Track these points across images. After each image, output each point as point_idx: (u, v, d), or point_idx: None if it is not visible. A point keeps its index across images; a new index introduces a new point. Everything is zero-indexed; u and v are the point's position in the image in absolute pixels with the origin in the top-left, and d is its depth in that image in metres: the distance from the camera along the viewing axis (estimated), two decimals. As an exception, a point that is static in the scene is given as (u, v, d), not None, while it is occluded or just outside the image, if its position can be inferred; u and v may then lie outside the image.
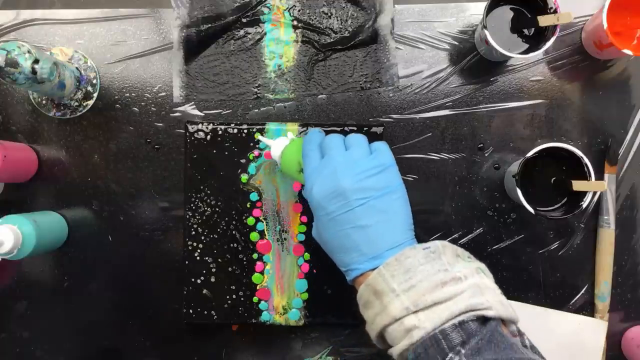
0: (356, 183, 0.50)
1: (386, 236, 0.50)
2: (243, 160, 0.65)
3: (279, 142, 0.59)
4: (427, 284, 0.45)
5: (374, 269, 0.49)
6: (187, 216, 0.65)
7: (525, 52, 0.61)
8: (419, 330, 0.44)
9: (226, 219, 0.65)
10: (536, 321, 0.67)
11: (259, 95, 0.68)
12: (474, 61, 0.67)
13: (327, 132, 0.64)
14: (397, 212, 0.51)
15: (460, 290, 0.45)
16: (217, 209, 0.65)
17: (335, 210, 0.50)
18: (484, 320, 0.44)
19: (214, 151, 0.65)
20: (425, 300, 0.44)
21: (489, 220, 0.67)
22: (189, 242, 0.65)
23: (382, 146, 0.54)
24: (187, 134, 0.65)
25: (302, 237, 0.65)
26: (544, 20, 0.59)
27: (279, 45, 0.68)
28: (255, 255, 0.65)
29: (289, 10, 0.68)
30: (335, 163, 0.51)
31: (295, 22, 0.68)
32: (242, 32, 0.68)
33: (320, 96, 0.68)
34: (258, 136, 0.64)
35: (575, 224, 0.67)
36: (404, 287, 0.46)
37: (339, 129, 0.65)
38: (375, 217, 0.50)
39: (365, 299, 0.49)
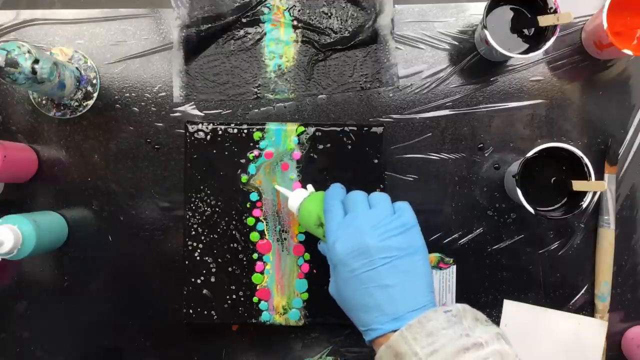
0: (381, 242, 0.50)
1: (408, 297, 0.49)
2: (243, 160, 0.65)
3: (298, 194, 0.60)
4: (450, 348, 0.45)
5: (394, 330, 0.48)
6: (187, 216, 0.65)
7: (525, 52, 0.61)
8: None
9: (226, 219, 0.65)
10: (536, 321, 0.67)
11: (259, 95, 0.68)
12: (474, 61, 0.67)
13: (327, 132, 0.65)
14: (419, 273, 0.51)
15: (482, 357, 0.44)
16: (217, 209, 0.65)
17: (359, 268, 0.50)
18: None
19: (214, 151, 0.65)
20: None
21: (489, 220, 0.67)
22: (189, 242, 0.65)
23: (405, 206, 0.54)
24: (187, 134, 0.65)
25: (302, 237, 0.65)
26: (544, 20, 0.59)
27: (279, 45, 0.68)
28: (255, 255, 0.65)
29: (289, 10, 0.68)
30: (359, 220, 0.52)
31: (295, 22, 0.68)
32: (242, 32, 0.68)
33: (320, 96, 0.68)
34: (276, 186, 0.63)
35: (575, 224, 0.67)
36: (426, 351, 0.45)
37: (338, 128, 0.65)
38: (398, 277, 0.50)
39: None
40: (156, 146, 0.68)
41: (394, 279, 0.49)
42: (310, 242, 0.65)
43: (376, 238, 0.50)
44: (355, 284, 0.50)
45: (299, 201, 0.59)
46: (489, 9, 0.62)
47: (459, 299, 0.67)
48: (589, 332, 0.66)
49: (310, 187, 0.61)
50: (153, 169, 0.68)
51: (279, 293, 0.65)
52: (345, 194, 0.56)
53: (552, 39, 0.60)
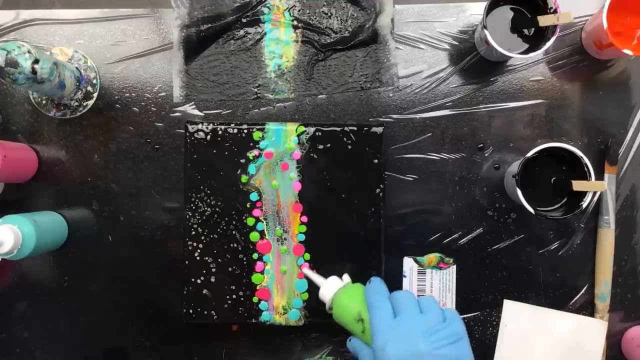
0: (434, 350, 0.49)
1: None
2: (243, 160, 0.65)
3: (332, 283, 0.57)
4: None
5: None
6: (187, 216, 0.65)
7: (525, 52, 0.61)
8: None
9: (226, 219, 0.65)
10: (536, 321, 0.67)
11: (259, 95, 0.68)
12: (474, 61, 0.67)
13: (327, 132, 0.65)
14: None
15: None
16: (217, 209, 0.65)
17: None
18: None
19: (214, 151, 0.65)
20: None
21: (489, 220, 0.67)
22: (189, 242, 0.65)
23: (455, 315, 0.52)
24: (187, 134, 0.65)
25: (302, 237, 0.65)
26: (544, 20, 0.59)
27: (279, 45, 0.68)
28: (255, 255, 0.65)
29: (289, 10, 0.68)
30: (412, 324, 0.50)
31: (295, 22, 0.68)
32: (242, 32, 0.68)
33: (320, 96, 0.68)
34: (305, 271, 0.61)
35: (575, 224, 0.67)
36: None
37: (338, 128, 0.65)
38: None
39: None
40: (156, 146, 0.68)
41: None
42: (311, 242, 0.65)
43: (429, 345, 0.49)
44: None
45: (333, 291, 0.57)
46: (489, 9, 0.62)
47: (458, 299, 0.67)
48: (589, 332, 0.66)
49: (346, 277, 0.59)
50: (153, 169, 0.68)
51: (279, 293, 0.65)
52: (387, 290, 0.54)
53: (552, 39, 0.60)
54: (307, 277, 0.62)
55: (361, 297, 0.54)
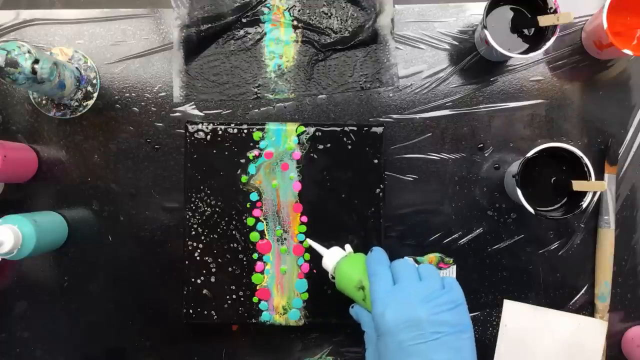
0: (432, 315, 0.49)
1: None
2: (243, 160, 0.65)
3: (334, 253, 0.59)
4: None
5: None
6: (187, 216, 0.65)
7: (525, 52, 0.61)
8: None
9: (226, 219, 0.65)
10: (536, 321, 0.67)
11: (259, 95, 0.68)
12: (474, 61, 0.67)
13: (327, 132, 0.65)
14: (467, 352, 0.50)
15: None
16: (217, 209, 0.65)
17: (407, 340, 0.49)
18: None
19: (214, 151, 0.65)
20: None
21: (489, 220, 0.67)
22: (189, 242, 0.65)
23: (453, 282, 0.53)
24: (187, 134, 0.65)
25: (302, 237, 0.65)
26: (544, 20, 0.59)
27: (279, 45, 0.68)
28: (255, 255, 0.65)
29: (289, 10, 0.68)
30: (411, 291, 0.51)
31: (295, 22, 0.68)
32: (242, 32, 0.68)
33: (320, 96, 0.68)
34: (309, 241, 0.62)
35: (575, 224, 0.67)
36: None
37: (338, 128, 0.65)
38: (447, 354, 0.49)
39: None
40: (156, 146, 0.68)
41: (443, 355, 0.48)
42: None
43: (428, 311, 0.49)
44: (403, 356, 0.49)
45: (335, 260, 0.59)
46: (489, 9, 0.62)
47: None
48: (589, 332, 0.66)
49: (348, 247, 0.61)
50: (153, 169, 0.68)
51: (279, 293, 0.65)
52: (388, 259, 0.56)
53: (552, 39, 0.60)
54: (310, 248, 0.63)
55: (362, 266, 0.56)
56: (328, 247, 0.61)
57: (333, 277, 0.59)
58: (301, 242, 0.65)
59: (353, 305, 0.57)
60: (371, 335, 0.54)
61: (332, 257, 0.59)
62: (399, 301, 0.50)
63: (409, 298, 0.50)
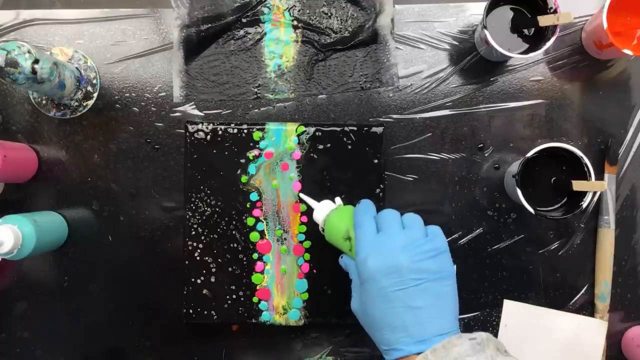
0: (413, 263, 0.50)
1: (435, 321, 0.49)
2: (243, 160, 0.65)
3: (325, 206, 0.60)
4: None
5: (418, 353, 0.48)
6: (187, 216, 0.65)
7: (525, 52, 0.61)
8: None
9: (226, 219, 0.65)
10: (536, 321, 0.67)
11: (259, 95, 0.68)
12: (474, 61, 0.67)
13: (327, 132, 0.65)
14: (448, 298, 0.51)
15: None
16: (217, 209, 0.65)
17: (388, 287, 0.50)
18: None
19: (214, 151, 0.65)
20: None
21: (489, 220, 0.67)
22: (189, 242, 0.65)
23: (437, 230, 0.54)
24: (187, 134, 0.65)
25: (302, 237, 0.65)
26: (544, 20, 0.59)
27: (279, 45, 0.68)
28: (255, 255, 0.65)
29: (289, 10, 0.68)
30: (393, 239, 0.52)
31: (295, 22, 0.68)
32: (242, 32, 0.68)
33: (320, 96, 0.68)
34: (301, 195, 0.63)
35: (575, 224, 0.67)
36: None
37: (338, 128, 0.65)
38: (427, 300, 0.49)
39: None
40: (156, 146, 0.68)
41: (423, 301, 0.49)
42: (311, 243, 0.65)
43: (409, 259, 0.50)
44: (383, 302, 0.50)
45: (325, 213, 0.59)
46: (489, 9, 0.62)
47: (459, 299, 0.67)
48: (589, 332, 0.66)
49: (338, 200, 0.61)
50: (153, 169, 0.68)
51: (279, 293, 0.65)
52: (375, 210, 0.56)
53: (552, 39, 0.60)
54: (302, 201, 0.63)
55: (350, 217, 0.57)
56: (319, 201, 0.61)
57: (323, 230, 0.59)
58: (301, 242, 0.65)
59: (342, 256, 0.58)
60: (357, 283, 0.54)
61: (322, 209, 0.59)
62: (381, 249, 0.51)
63: (391, 245, 0.51)
